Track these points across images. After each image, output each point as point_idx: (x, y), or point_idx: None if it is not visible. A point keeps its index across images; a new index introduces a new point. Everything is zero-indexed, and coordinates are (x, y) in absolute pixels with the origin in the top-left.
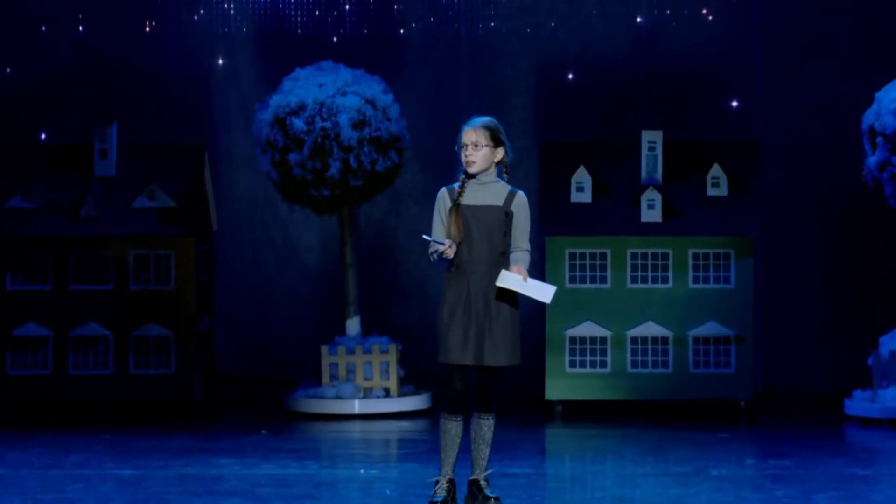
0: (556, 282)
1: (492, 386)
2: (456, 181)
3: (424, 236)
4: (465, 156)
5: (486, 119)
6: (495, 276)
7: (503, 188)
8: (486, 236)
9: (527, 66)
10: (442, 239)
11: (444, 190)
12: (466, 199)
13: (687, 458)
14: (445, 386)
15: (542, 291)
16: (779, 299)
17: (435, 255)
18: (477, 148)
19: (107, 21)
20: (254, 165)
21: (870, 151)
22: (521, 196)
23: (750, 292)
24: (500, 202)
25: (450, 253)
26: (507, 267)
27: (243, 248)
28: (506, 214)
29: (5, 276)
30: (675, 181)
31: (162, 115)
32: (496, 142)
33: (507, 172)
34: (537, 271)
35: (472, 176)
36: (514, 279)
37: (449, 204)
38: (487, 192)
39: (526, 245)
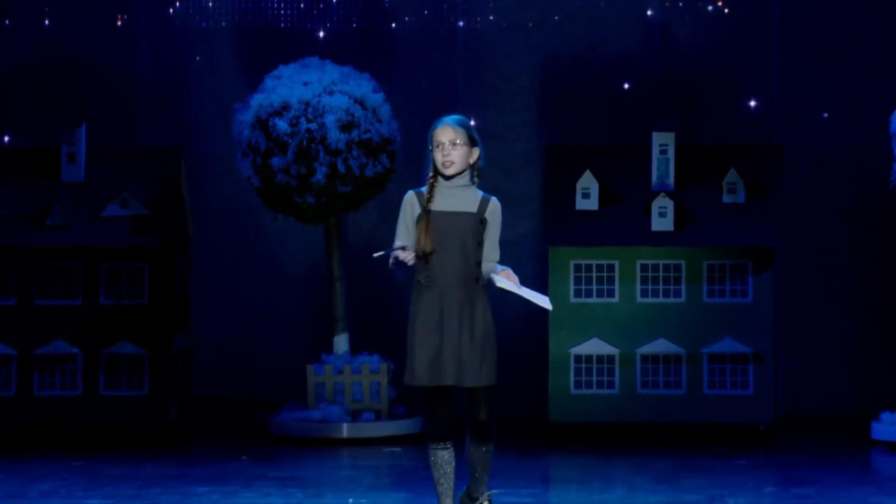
0: (561, 295)
1: (483, 410)
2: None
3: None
4: (443, 156)
5: (460, 117)
6: (469, 289)
7: (475, 193)
8: (460, 246)
9: (529, 64)
10: (399, 243)
11: (410, 194)
12: (437, 205)
13: (701, 486)
14: (428, 413)
15: (540, 297)
16: (800, 315)
17: (393, 263)
18: (455, 147)
19: (75, 14)
20: (234, 170)
21: None
22: (494, 202)
23: (769, 307)
24: (473, 208)
25: (408, 258)
26: (478, 279)
27: (222, 259)
28: (480, 222)
29: None
30: (689, 187)
31: (134, 117)
32: (472, 141)
33: (477, 176)
34: (540, 284)
35: (447, 178)
36: (508, 283)
37: (418, 209)
38: (459, 197)
39: (496, 256)
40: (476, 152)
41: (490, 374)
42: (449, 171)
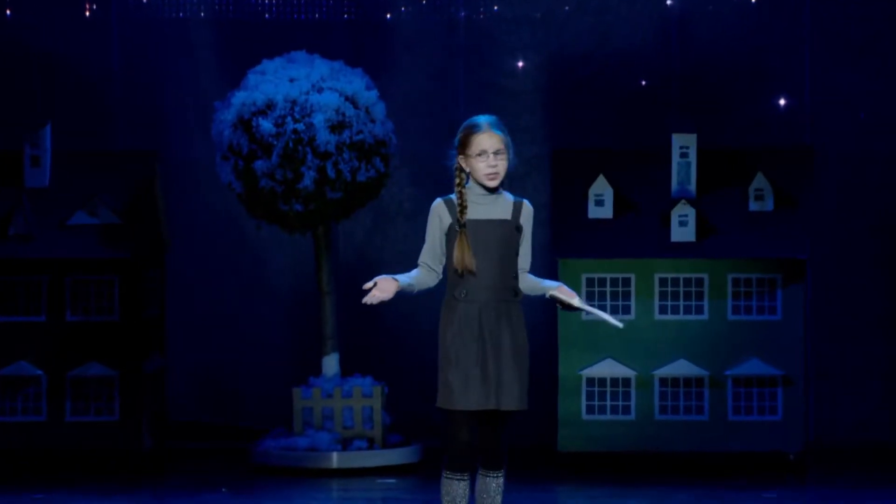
0: (571, 313)
1: (501, 436)
2: (439, 190)
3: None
4: (489, 166)
5: (496, 118)
6: (508, 304)
7: (505, 197)
8: (497, 257)
9: (536, 59)
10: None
11: (439, 202)
12: (473, 214)
13: None
14: (449, 438)
15: (608, 315)
16: (834, 334)
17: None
18: (499, 155)
19: (40, 4)
20: (213, 175)
21: None
22: (528, 206)
23: (800, 325)
24: (508, 215)
25: (375, 298)
26: (517, 292)
27: (201, 272)
28: (517, 229)
29: None
30: (712, 194)
31: (105, 116)
32: (507, 146)
33: (505, 177)
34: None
35: (491, 190)
36: (583, 303)
37: (448, 220)
38: (491, 203)
39: (528, 264)
40: (510, 156)
41: (525, 397)
42: (494, 184)
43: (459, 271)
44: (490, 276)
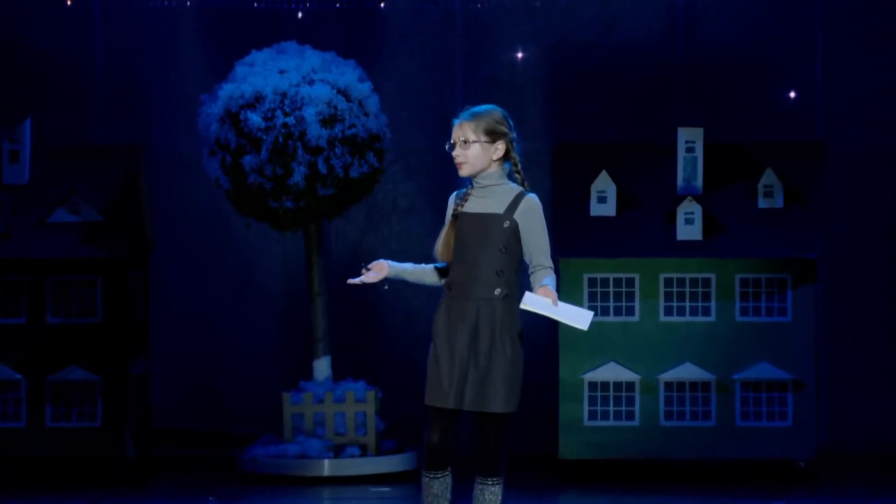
0: None
1: (492, 441)
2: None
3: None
4: (454, 156)
5: (480, 108)
6: (487, 303)
7: (509, 192)
8: (478, 253)
9: (536, 50)
10: (366, 272)
11: (453, 195)
12: (468, 207)
13: None
14: (426, 435)
15: (578, 317)
16: (847, 336)
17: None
18: (466, 145)
19: None
20: (200, 171)
21: None
22: (529, 200)
23: (811, 327)
24: (500, 209)
25: (364, 279)
26: (501, 289)
27: (187, 272)
28: (506, 224)
29: None
30: (719, 190)
31: (86, 109)
32: (492, 135)
33: (518, 172)
34: None
35: (470, 178)
36: (541, 302)
37: (452, 211)
38: (489, 197)
39: (547, 261)
40: (502, 146)
41: (506, 399)
42: (462, 172)
43: (441, 261)
44: (471, 271)
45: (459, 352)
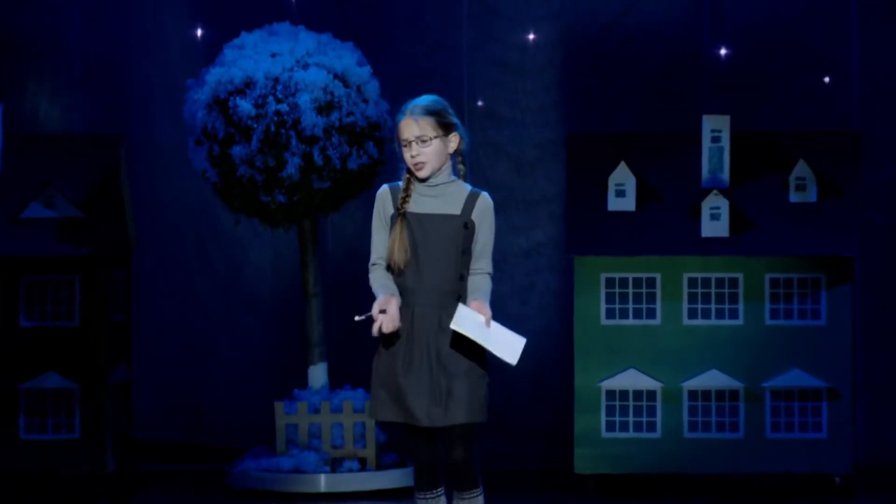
0: (589, 316)
1: (463, 453)
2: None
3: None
4: (412, 157)
5: (427, 100)
6: (449, 308)
7: (460, 189)
8: (439, 256)
9: (549, 32)
10: (373, 309)
11: (384, 189)
12: (413, 206)
13: None
14: (411, 456)
15: (509, 345)
16: (886, 340)
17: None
18: (425, 143)
19: None
20: (185, 162)
21: None
22: (484, 199)
23: (848, 331)
24: (457, 209)
25: (390, 325)
26: (460, 296)
27: (172, 272)
28: (465, 226)
29: None
30: (748, 183)
31: (63, 97)
32: (446, 128)
33: (462, 163)
34: (563, 303)
35: (424, 180)
36: (473, 322)
37: (391, 210)
38: (440, 196)
39: (488, 266)
40: (455, 138)
41: (470, 409)
42: (422, 174)
43: (393, 267)
44: (428, 278)
45: (424, 363)
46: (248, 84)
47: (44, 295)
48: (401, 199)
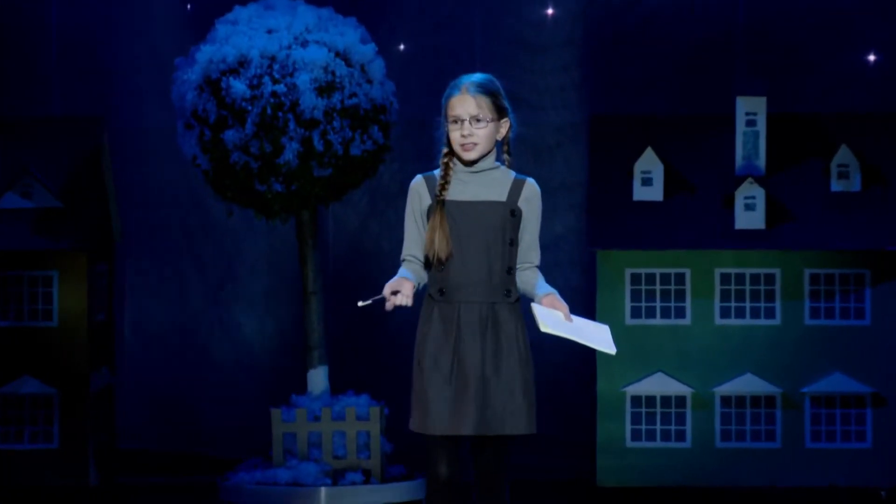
0: (614, 315)
1: (501, 468)
2: (435, 167)
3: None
4: (462, 136)
5: (483, 79)
6: (497, 306)
7: (504, 175)
8: (484, 248)
9: (569, 6)
10: (384, 291)
11: (419, 179)
12: (453, 193)
13: None
14: (427, 470)
15: (600, 334)
16: None
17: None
18: (479, 123)
19: None
20: (174, 148)
21: None
22: (531, 185)
23: (894, 332)
24: (502, 196)
25: (403, 300)
26: (510, 291)
27: (158, 268)
28: (512, 214)
29: None
30: (785, 171)
31: (41, 79)
32: (500, 112)
33: (508, 153)
34: (585, 300)
35: (470, 163)
36: (557, 320)
37: (428, 200)
38: (483, 182)
39: (537, 258)
40: (506, 124)
41: (528, 419)
42: (470, 156)
43: (433, 261)
44: (474, 270)
45: (473, 369)
46: (242, 63)
47: (19, 292)
48: (439, 186)
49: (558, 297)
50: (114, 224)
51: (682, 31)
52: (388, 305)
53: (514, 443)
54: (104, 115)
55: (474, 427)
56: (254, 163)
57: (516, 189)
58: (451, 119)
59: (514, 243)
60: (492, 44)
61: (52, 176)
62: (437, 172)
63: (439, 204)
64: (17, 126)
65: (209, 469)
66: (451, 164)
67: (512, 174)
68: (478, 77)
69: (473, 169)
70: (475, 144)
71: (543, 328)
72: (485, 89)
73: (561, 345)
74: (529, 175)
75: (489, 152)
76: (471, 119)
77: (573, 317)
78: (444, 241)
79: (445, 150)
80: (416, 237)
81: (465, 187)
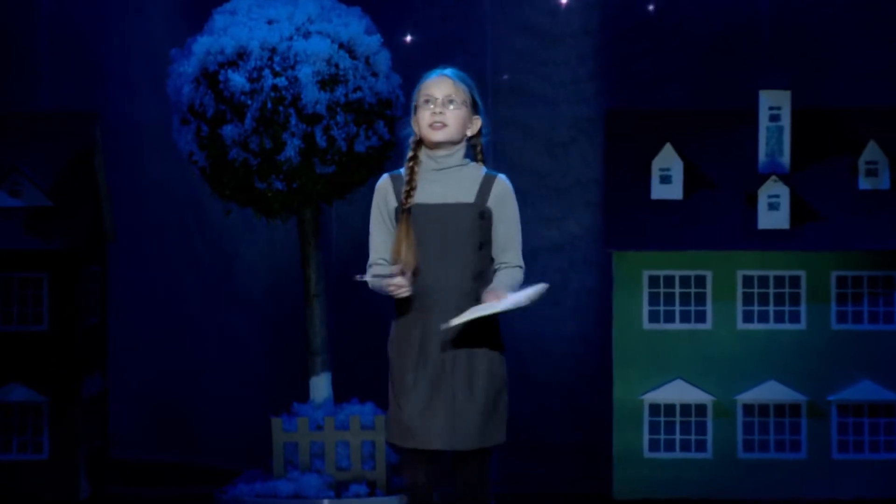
0: (630, 319)
1: (483, 482)
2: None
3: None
4: (432, 114)
5: (458, 70)
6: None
7: (474, 173)
8: (452, 253)
9: None
10: (386, 270)
11: (385, 179)
12: (420, 195)
13: None
14: (405, 480)
15: (523, 296)
16: None
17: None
18: (451, 105)
19: None
20: (170, 144)
21: None
22: (501, 182)
23: None
24: (470, 197)
25: (402, 289)
26: (481, 296)
27: (153, 269)
28: (481, 216)
29: None
30: (811, 168)
31: (31, 72)
32: (474, 106)
33: (481, 154)
34: (600, 302)
35: (434, 146)
36: (479, 310)
37: (394, 203)
38: (451, 181)
39: (515, 258)
40: (478, 122)
41: (490, 431)
42: (438, 136)
43: (402, 269)
44: (442, 277)
45: (440, 378)
46: (241, 55)
47: (8, 295)
48: (405, 193)
49: (503, 288)
50: (107, 224)
51: (703, 21)
52: (393, 287)
53: (487, 456)
54: (96, 109)
55: (444, 442)
56: (253, 159)
57: (486, 187)
58: (423, 99)
59: (483, 247)
60: (503, 34)
61: (43, 174)
62: (403, 172)
63: (405, 212)
64: (5, 122)
65: (206, 480)
66: (416, 169)
67: (483, 170)
68: (457, 70)
69: (440, 165)
70: (444, 126)
71: (444, 326)
72: (462, 79)
73: (576, 352)
74: (542, 172)
75: (458, 144)
76: (444, 98)
77: (509, 294)
78: (411, 252)
79: (411, 153)
80: (385, 239)
81: (431, 188)
